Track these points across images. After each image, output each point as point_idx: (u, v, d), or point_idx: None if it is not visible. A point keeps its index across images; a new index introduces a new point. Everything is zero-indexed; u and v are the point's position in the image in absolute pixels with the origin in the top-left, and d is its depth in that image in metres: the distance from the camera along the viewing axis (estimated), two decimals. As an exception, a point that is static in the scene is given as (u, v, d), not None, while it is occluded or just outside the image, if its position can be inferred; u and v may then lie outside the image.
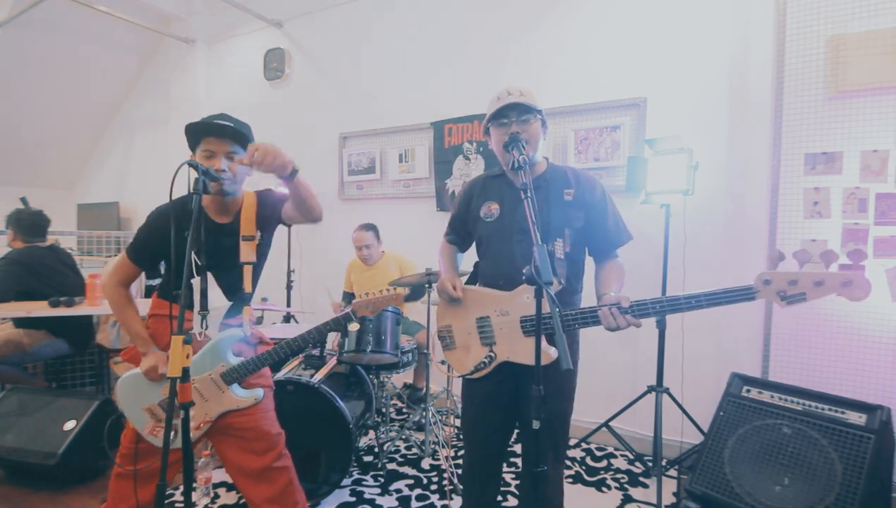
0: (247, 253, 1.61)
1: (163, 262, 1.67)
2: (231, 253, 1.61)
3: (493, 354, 1.59)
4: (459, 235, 1.82)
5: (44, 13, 4.35)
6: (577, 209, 1.59)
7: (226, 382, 1.59)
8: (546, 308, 1.27)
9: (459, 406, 1.91)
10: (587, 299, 1.65)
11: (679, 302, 1.35)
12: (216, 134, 1.52)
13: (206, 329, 1.56)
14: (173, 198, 1.52)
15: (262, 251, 1.69)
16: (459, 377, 1.68)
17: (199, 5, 4.81)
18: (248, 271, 1.62)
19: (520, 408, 1.65)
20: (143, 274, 1.75)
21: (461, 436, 1.81)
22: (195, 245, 1.38)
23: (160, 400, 1.61)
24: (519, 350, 1.54)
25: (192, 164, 1.40)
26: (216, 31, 4.86)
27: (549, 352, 1.42)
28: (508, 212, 1.61)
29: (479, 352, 1.62)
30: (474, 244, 1.79)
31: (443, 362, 1.77)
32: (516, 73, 3.28)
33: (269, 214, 1.67)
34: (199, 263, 1.54)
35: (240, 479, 1.63)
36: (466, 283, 1.76)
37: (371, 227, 3.34)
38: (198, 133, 1.54)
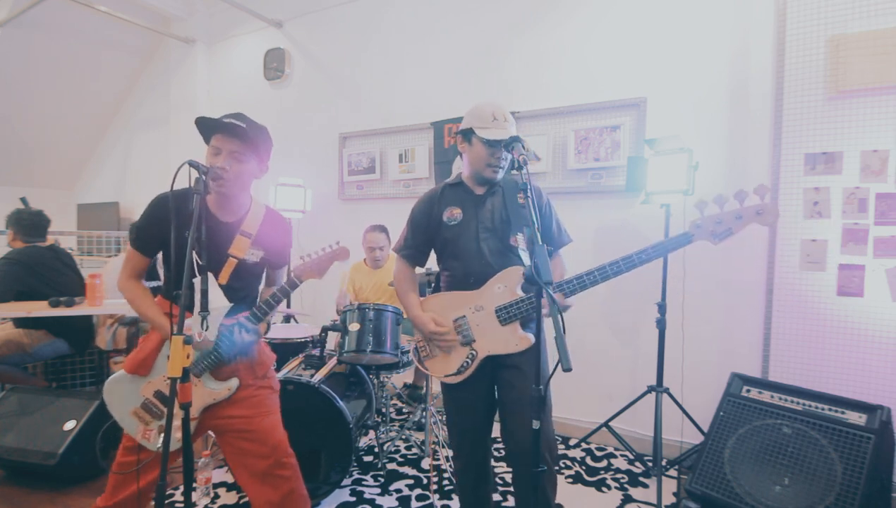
0: (238, 247, 1.58)
1: (161, 263, 1.65)
2: (222, 247, 1.58)
3: (474, 352, 1.64)
4: (418, 247, 1.83)
5: (44, 13, 4.35)
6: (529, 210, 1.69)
7: (195, 375, 1.55)
8: (545, 307, 1.30)
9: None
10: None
11: (617, 264, 1.49)
12: (224, 132, 1.52)
13: (206, 330, 1.55)
14: (186, 188, 1.53)
15: (250, 267, 1.64)
16: (446, 377, 1.70)
17: (199, 5, 4.81)
18: (230, 264, 1.58)
19: (499, 397, 1.70)
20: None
21: (449, 439, 1.84)
22: (195, 245, 1.37)
23: (142, 402, 1.60)
24: (498, 340, 1.62)
25: (192, 164, 1.40)
26: (216, 31, 4.86)
27: (529, 338, 1.53)
28: (471, 214, 1.72)
29: (459, 353, 1.66)
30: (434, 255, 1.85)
31: None
32: (516, 73, 3.29)
33: (269, 241, 1.67)
34: (201, 263, 1.53)
35: (242, 479, 1.62)
36: (433, 292, 1.83)
37: (384, 229, 3.33)
38: (207, 129, 1.54)
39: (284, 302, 3.88)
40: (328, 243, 1.62)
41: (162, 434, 1.54)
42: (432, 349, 1.74)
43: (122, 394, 1.62)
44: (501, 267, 1.64)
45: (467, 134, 1.69)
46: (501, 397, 1.68)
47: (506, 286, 1.62)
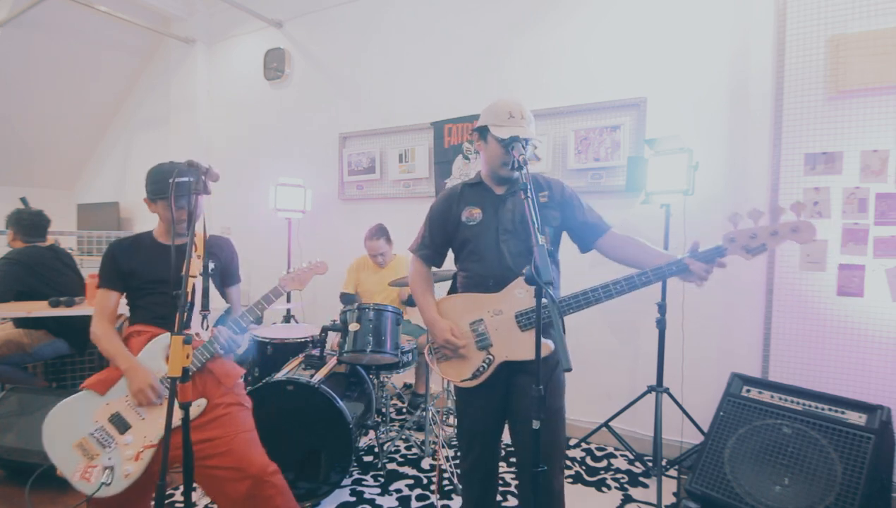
0: (192, 267, 1.61)
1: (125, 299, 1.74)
2: (177, 268, 1.59)
3: (491, 356, 1.59)
4: (435, 247, 1.79)
5: (44, 13, 4.35)
6: (553, 208, 1.65)
7: (162, 395, 1.50)
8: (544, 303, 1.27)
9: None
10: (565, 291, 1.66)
11: (646, 274, 1.48)
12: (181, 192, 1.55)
13: (206, 329, 1.55)
14: (135, 233, 1.74)
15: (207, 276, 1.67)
16: (461, 382, 1.65)
17: (199, 5, 4.81)
18: (190, 283, 1.55)
19: (511, 402, 1.64)
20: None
21: (458, 441, 1.82)
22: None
23: (93, 430, 1.51)
24: (517, 346, 1.56)
25: (191, 164, 1.40)
26: (216, 31, 4.87)
27: (549, 344, 1.44)
28: (491, 215, 1.65)
29: (476, 357, 1.62)
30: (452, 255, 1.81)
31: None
32: (516, 73, 3.28)
33: (216, 253, 1.76)
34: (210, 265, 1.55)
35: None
36: (449, 292, 1.77)
37: (383, 233, 3.32)
38: (165, 187, 1.58)
39: (284, 298, 3.89)
40: (316, 254, 1.76)
41: (106, 471, 1.47)
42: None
43: (71, 421, 1.52)
44: (522, 270, 1.59)
45: (483, 131, 1.63)
46: (514, 402, 1.63)
47: (527, 291, 1.55)
